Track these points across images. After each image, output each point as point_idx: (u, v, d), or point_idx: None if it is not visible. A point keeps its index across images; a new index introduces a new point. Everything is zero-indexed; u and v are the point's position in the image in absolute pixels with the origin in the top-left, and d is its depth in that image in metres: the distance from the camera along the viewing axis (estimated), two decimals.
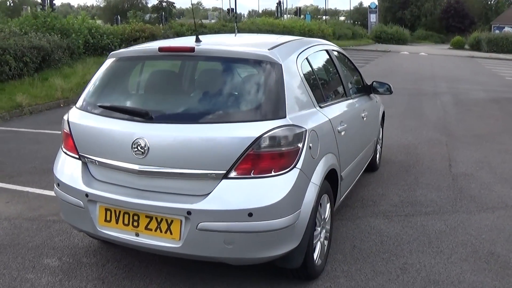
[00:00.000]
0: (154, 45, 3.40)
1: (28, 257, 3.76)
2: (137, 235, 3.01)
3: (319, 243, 3.34)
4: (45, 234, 4.15)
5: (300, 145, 2.94)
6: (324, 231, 3.45)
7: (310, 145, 3.02)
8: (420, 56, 29.32)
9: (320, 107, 3.44)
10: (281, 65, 3.07)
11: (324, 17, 66.41)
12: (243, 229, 2.79)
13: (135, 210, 3.00)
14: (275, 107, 2.93)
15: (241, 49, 3.28)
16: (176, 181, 2.95)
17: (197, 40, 3.42)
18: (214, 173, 2.84)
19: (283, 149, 2.87)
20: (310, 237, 3.09)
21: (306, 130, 2.99)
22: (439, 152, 6.79)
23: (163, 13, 67.35)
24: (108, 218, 3.12)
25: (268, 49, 3.20)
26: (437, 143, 7.32)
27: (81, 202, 3.20)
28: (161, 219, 2.93)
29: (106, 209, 3.12)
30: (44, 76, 11.60)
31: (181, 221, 2.87)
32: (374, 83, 5.17)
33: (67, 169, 3.36)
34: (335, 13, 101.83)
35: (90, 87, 3.46)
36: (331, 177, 3.51)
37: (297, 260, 3.07)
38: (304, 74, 3.35)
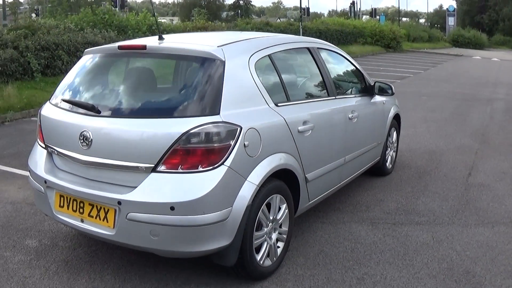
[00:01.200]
0: (117, 44, 3.46)
1: (13, 238, 3.94)
2: (82, 221, 3.11)
3: (265, 243, 3.22)
4: (38, 218, 4.33)
5: (231, 142, 2.86)
6: (276, 232, 3.32)
7: (246, 143, 2.93)
8: (491, 62, 27.43)
9: (277, 106, 3.31)
10: (224, 62, 3.02)
11: (403, 19, 63.86)
12: (166, 222, 2.77)
13: (81, 197, 3.09)
14: (208, 103, 2.89)
15: (190, 46, 3.26)
16: (113, 172, 3.00)
17: (160, 38, 3.44)
18: (144, 166, 2.86)
19: (210, 145, 2.82)
20: (247, 236, 2.99)
21: (241, 128, 2.90)
22: (464, 159, 6.30)
23: (239, 11, 67.99)
24: (61, 204, 3.22)
25: (218, 46, 3.14)
26: (467, 150, 6.79)
27: (42, 188, 3.34)
28: (100, 207, 3.00)
29: (61, 196, 3.23)
30: None
31: (115, 210, 2.92)
32: (375, 83, 4.89)
33: (36, 158, 3.52)
34: (415, 15, 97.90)
35: (62, 83, 3.57)
36: (290, 178, 3.37)
37: (231, 258, 2.99)
38: (258, 73, 3.25)
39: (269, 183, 3.15)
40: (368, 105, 4.78)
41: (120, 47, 3.36)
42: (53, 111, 3.41)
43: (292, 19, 44.64)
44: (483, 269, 3.44)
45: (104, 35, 13.22)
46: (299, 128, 3.42)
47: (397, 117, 5.74)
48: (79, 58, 3.53)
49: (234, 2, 71.54)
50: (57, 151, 3.30)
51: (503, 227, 4.20)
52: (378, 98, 5.05)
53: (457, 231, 4.10)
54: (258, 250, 3.17)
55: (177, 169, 2.81)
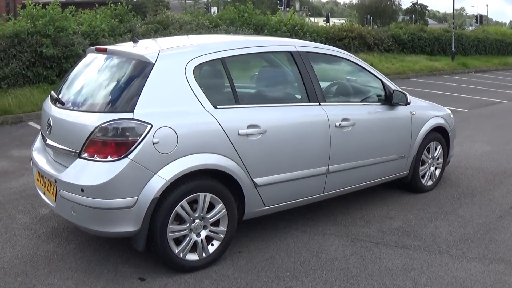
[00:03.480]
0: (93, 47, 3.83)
1: (35, 205, 4.53)
2: (44, 194, 3.52)
3: (188, 238, 3.22)
4: None
5: (138, 138, 2.97)
6: (207, 230, 3.30)
7: (156, 140, 3.00)
8: None
9: (216, 108, 3.25)
10: (153, 64, 3.13)
11: None
12: (79, 202, 3.03)
13: (44, 174, 3.46)
14: (126, 101, 3.05)
15: (134, 50, 3.42)
16: (60, 154, 3.35)
17: (134, 42, 3.67)
18: (73, 152, 3.15)
19: (118, 139, 2.99)
20: (156, 226, 3.07)
21: (151, 126, 2.98)
22: None
23: (413, 16, 64.70)
24: (38, 178, 3.67)
25: (158, 50, 3.25)
26: None
27: (31, 163, 3.79)
28: (50, 183, 3.36)
29: (37, 171, 3.64)
30: None
31: (56, 186, 3.24)
32: (394, 92, 4.36)
33: (35, 141, 4.04)
34: None
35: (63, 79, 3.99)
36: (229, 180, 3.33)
37: (139, 244, 3.11)
38: (196, 75, 3.27)
39: (193, 181, 3.16)
40: (378, 114, 4.30)
41: (96, 49, 3.67)
42: (46, 102, 3.86)
43: (472, 26, 40.59)
44: None
45: (237, 33, 13.42)
46: (240, 131, 3.30)
47: (441, 131, 5.02)
48: None
49: (410, 6, 68.20)
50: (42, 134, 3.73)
51: (502, 265, 3.45)
52: (403, 108, 4.51)
53: (440, 262, 3.50)
54: (179, 242, 3.20)
55: (94, 157, 3.04)
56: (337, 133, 3.87)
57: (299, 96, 3.77)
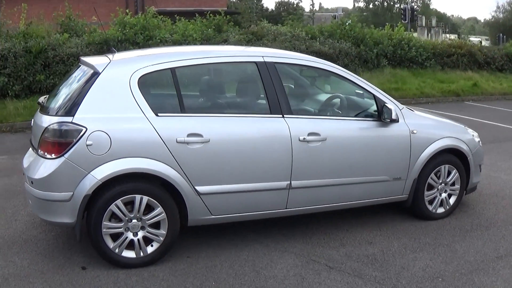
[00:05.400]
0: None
1: None
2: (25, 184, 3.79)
3: (123, 236, 3.31)
4: None
5: (73, 139, 3.14)
6: (144, 230, 3.35)
7: (89, 142, 3.14)
8: None
9: (157, 116, 3.29)
10: (99, 74, 3.28)
11: None
12: (30, 192, 3.34)
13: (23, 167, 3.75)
14: (69, 107, 3.25)
15: (92, 60, 3.56)
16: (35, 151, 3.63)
17: (112, 52, 3.82)
18: (35, 149, 3.45)
19: (58, 139, 3.20)
20: (91, 221, 3.23)
21: (86, 129, 3.13)
22: None
23: None
24: None
25: (113, 60, 3.40)
26: None
27: None
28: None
29: None
30: None
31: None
32: (384, 106, 3.90)
33: None
34: None
35: None
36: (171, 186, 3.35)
37: (76, 234, 3.31)
38: (141, 85, 3.32)
39: (129, 183, 3.24)
40: (362, 131, 3.90)
41: (79, 60, 3.88)
42: None
43: None
44: None
45: (334, 45, 12.66)
46: (178, 139, 3.27)
47: (458, 154, 4.36)
48: None
49: None
50: None
51: None
52: (399, 125, 4.03)
53: None
54: (116, 238, 3.30)
55: (45, 155, 3.28)
56: (301, 148, 3.61)
57: (258, 108, 3.61)
